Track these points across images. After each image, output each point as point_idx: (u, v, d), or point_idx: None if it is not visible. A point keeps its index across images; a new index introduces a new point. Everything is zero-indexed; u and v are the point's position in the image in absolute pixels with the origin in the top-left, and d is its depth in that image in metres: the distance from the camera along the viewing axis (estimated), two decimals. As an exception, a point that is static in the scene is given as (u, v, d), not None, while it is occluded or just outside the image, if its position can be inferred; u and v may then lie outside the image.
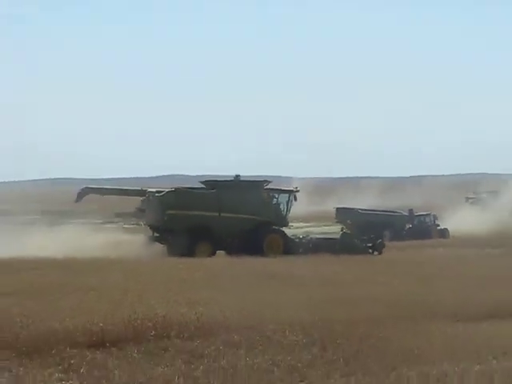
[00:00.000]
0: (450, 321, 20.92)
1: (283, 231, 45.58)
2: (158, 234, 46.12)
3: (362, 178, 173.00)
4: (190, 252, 40.70)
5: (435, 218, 61.22)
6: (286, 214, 46.56)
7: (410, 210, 57.15)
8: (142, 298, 23.32)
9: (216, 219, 44.39)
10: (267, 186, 47.74)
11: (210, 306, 21.73)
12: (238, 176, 47.53)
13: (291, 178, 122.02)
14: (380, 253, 47.79)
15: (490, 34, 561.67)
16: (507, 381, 14.64)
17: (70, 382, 14.95)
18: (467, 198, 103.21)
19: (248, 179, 49.22)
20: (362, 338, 18.16)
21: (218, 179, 50.92)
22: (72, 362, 16.04)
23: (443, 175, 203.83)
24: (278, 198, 47.00)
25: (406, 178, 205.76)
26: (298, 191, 47.71)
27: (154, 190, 48.60)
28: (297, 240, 46.21)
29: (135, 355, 16.63)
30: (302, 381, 14.86)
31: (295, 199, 46.98)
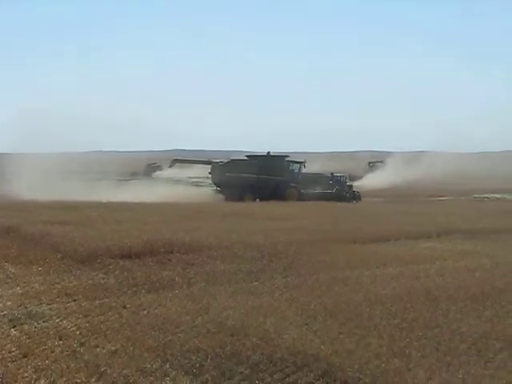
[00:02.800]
0: (349, 243, 21.05)
1: (297, 186, 48.15)
2: (219, 189, 49.07)
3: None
4: (240, 200, 43.58)
5: (346, 178, 61.66)
6: (298, 176, 49.52)
7: (331, 173, 57.47)
8: (156, 227, 23.58)
9: (256, 179, 47.37)
10: (287, 159, 50.98)
11: (198, 232, 21.99)
12: (269, 152, 49.96)
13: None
14: (358, 201, 49.14)
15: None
16: (386, 281, 14.57)
17: (109, 279, 15.15)
18: (368, 163, 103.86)
19: (275, 154, 51.25)
20: (294, 254, 18.21)
21: (257, 154, 52.75)
22: (110, 267, 16.34)
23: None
24: (293, 166, 49.95)
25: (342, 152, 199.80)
26: (305, 162, 50.30)
27: (217, 160, 52.60)
28: (305, 192, 47.75)
29: (150, 263, 16.89)
30: (256, 280, 14.84)
31: (304, 167, 50.09)
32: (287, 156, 52.57)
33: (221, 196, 47.36)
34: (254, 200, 44.68)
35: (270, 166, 48.25)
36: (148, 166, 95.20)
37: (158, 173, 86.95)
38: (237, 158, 52.34)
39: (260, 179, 47.44)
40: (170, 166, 57.47)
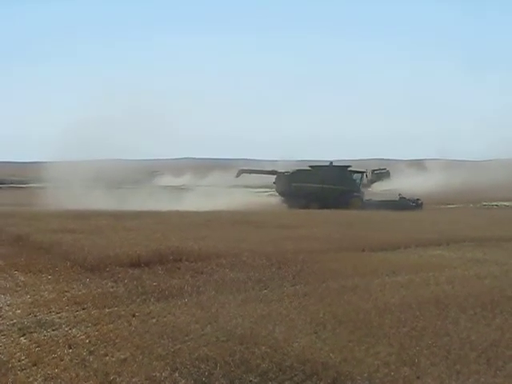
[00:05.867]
0: (358, 251, 21.03)
1: (360, 195, 49.57)
2: (284, 198, 50.67)
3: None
4: (305, 208, 44.85)
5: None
6: (360, 186, 51.15)
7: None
8: (165, 235, 23.63)
9: (320, 189, 48.76)
10: (349, 169, 51.96)
11: (207, 241, 21.99)
12: (331, 163, 52.34)
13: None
14: (421, 208, 48.41)
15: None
16: (396, 289, 14.54)
17: (118, 287, 15.18)
18: (372, 171, 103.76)
19: (337, 164, 53.07)
20: (303, 262, 18.18)
21: (321, 164, 54.14)
22: (119, 275, 16.38)
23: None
24: (355, 176, 51.39)
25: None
26: (367, 172, 52.80)
27: (282, 170, 53.66)
28: (368, 201, 48.76)
29: (159, 271, 16.90)
30: (265, 288, 14.82)
31: (366, 177, 52.78)
32: (349, 166, 53.20)
33: (285, 205, 49.12)
34: (320, 208, 45.33)
35: (334, 176, 49.78)
36: (150, 174, 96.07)
37: (157, 179, 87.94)
38: (302, 168, 53.79)
39: (324, 189, 48.93)
40: (237, 176, 58.38)
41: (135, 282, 15.53)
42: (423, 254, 21.05)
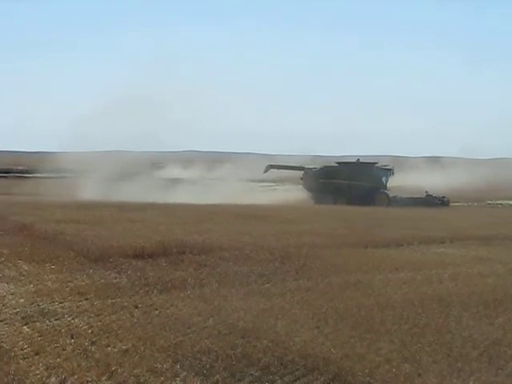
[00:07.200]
0: (361, 247, 20.98)
1: (387, 192, 49.53)
2: (311, 194, 50.32)
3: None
4: (332, 203, 45.29)
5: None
6: (387, 183, 50.67)
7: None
8: (169, 228, 23.63)
9: (347, 185, 48.84)
10: (376, 166, 52.06)
11: (210, 234, 22.01)
12: (358, 159, 52.04)
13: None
14: (447, 206, 48.54)
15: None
16: (398, 286, 14.50)
17: (121, 278, 15.21)
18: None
19: (364, 161, 53.08)
20: (306, 257, 18.12)
21: (348, 161, 54.06)
22: (123, 267, 16.40)
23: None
24: (382, 173, 51.08)
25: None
26: (393, 169, 51.57)
27: (310, 166, 53.60)
28: (394, 197, 48.73)
29: (163, 263, 16.91)
30: (268, 283, 14.78)
31: (393, 174, 51.21)
32: (376, 163, 53.43)
33: (312, 201, 49.32)
34: (347, 204, 45.44)
35: (361, 173, 49.94)
36: (152, 166, 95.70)
37: (159, 172, 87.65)
38: (329, 164, 53.83)
39: (351, 185, 48.98)
40: (265, 172, 58.56)
41: (138, 274, 15.55)
42: (426, 251, 20.99)
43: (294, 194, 54.60)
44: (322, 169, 52.14)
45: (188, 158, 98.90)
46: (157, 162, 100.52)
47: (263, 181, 69.68)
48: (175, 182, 60.73)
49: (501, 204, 55.57)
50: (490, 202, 57.06)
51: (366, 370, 8.87)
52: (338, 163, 53.62)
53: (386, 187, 50.62)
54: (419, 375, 8.86)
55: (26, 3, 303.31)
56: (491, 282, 15.31)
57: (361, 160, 52.72)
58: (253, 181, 67.11)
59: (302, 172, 53.69)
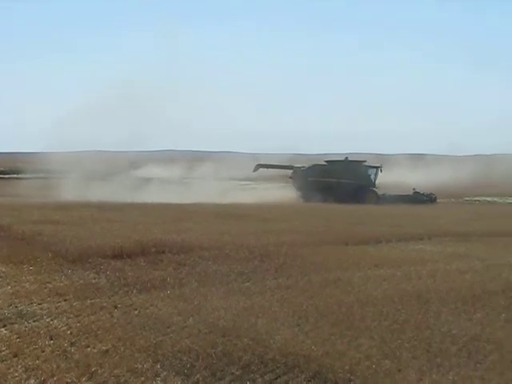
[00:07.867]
0: (341, 244, 21.04)
1: (375, 190, 50.03)
2: (300, 192, 50.63)
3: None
4: (322, 202, 45.24)
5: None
6: (375, 180, 51.20)
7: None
8: (148, 227, 23.55)
9: (336, 183, 49.30)
10: (364, 164, 52.69)
11: (189, 233, 21.96)
12: (347, 157, 52.54)
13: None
14: (434, 203, 49.34)
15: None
16: (378, 283, 14.58)
17: (100, 279, 15.10)
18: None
19: (353, 159, 53.35)
20: (286, 255, 18.14)
21: (336, 159, 54.31)
22: (102, 267, 16.25)
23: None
24: (370, 171, 51.59)
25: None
26: (382, 166, 51.71)
27: (299, 165, 54.18)
28: (382, 195, 49.24)
29: (142, 263, 16.78)
30: (248, 281, 14.80)
31: (381, 171, 51.45)
32: (365, 161, 53.96)
33: (301, 199, 49.32)
34: (336, 202, 45.66)
35: (350, 171, 50.30)
36: (131, 165, 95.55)
37: (138, 172, 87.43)
38: (318, 163, 53.94)
39: (340, 183, 49.34)
40: (254, 171, 58.47)
41: (117, 274, 15.43)
42: (405, 248, 21.13)
43: (273, 192, 54.79)
44: (310, 167, 52.46)
45: (169, 157, 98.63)
46: (135, 161, 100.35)
47: (244, 179, 69.84)
48: (154, 181, 60.47)
49: (478, 200, 56.11)
50: (467, 198, 57.60)
51: (347, 367, 8.90)
52: (326, 161, 53.76)
53: (374, 185, 51.08)
54: (399, 371, 8.91)
55: (26, 3, 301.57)
56: (469, 279, 15.44)
57: (349, 158, 52.98)
58: (234, 179, 67.22)
59: (291, 171, 53.99)
